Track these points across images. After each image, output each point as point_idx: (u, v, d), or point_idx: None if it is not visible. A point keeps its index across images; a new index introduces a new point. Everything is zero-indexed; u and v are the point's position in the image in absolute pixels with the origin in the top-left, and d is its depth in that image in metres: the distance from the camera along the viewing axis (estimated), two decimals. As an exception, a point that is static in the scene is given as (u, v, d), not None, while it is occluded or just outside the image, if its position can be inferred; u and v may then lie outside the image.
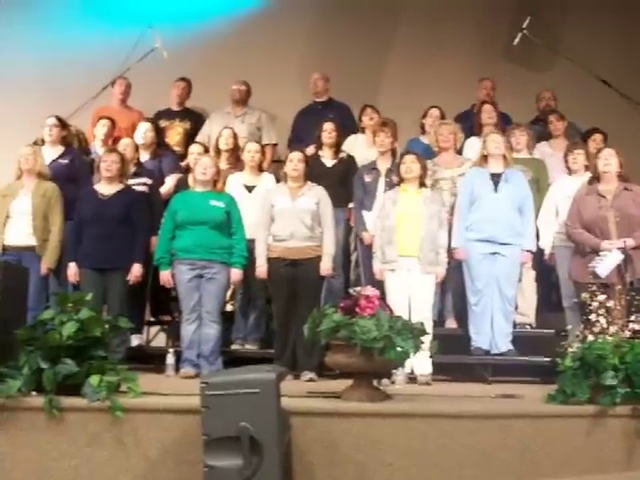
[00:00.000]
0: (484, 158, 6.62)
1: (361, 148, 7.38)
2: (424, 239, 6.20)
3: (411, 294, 6.18)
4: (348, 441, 4.54)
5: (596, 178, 6.21)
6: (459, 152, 7.19)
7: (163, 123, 8.03)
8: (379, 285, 5.82)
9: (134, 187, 6.76)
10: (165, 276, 6.27)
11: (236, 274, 6.27)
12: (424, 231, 6.21)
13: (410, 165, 6.34)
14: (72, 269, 6.30)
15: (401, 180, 6.42)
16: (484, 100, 7.83)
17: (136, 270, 6.30)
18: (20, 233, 6.41)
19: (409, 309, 6.10)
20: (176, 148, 7.92)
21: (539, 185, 6.90)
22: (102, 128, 7.59)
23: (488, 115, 7.51)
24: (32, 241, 6.41)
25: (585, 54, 8.20)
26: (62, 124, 7.15)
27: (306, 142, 7.42)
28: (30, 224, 6.41)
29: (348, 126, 7.63)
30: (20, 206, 6.45)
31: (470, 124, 7.64)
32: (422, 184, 6.40)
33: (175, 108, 8.32)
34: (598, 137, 7.36)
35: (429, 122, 7.63)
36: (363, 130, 7.66)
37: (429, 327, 5.89)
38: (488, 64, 8.61)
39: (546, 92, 8.18)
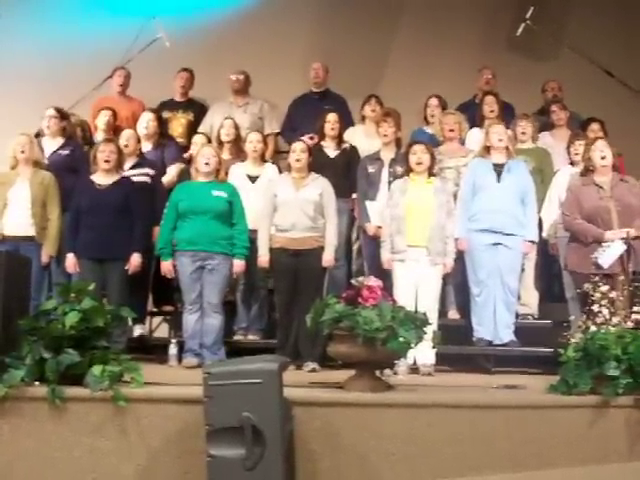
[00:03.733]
0: (486, 149, 6.61)
1: (360, 139, 7.36)
2: (433, 229, 6.17)
3: (418, 285, 6.17)
4: (350, 431, 4.55)
5: (590, 170, 6.17)
6: (462, 142, 7.17)
7: (166, 114, 8.01)
8: (382, 275, 5.81)
9: (136, 177, 6.75)
10: (166, 266, 6.25)
11: (238, 265, 6.25)
12: (434, 221, 6.19)
13: (421, 156, 6.31)
14: (70, 260, 6.29)
15: (409, 170, 6.37)
16: (486, 91, 7.80)
17: (135, 260, 6.29)
18: (18, 222, 6.37)
19: (415, 300, 6.09)
20: (179, 139, 7.91)
21: (543, 175, 6.88)
22: (104, 118, 7.58)
23: (489, 107, 7.48)
24: (31, 231, 6.37)
25: (588, 44, 8.17)
26: (61, 115, 7.10)
27: (300, 131, 7.41)
28: (28, 213, 6.37)
29: (344, 118, 7.60)
30: (18, 194, 6.41)
31: (472, 114, 7.63)
32: (431, 174, 6.39)
33: (178, 99, 8.30)
34: (595, 126, 7.33)
35: (429, 111, 7.63)
36: (363, 119, 7.64)
37: (434, 318, 5.91)
38: (491, 54, 8.59)
39: (552, 82, 8.14)
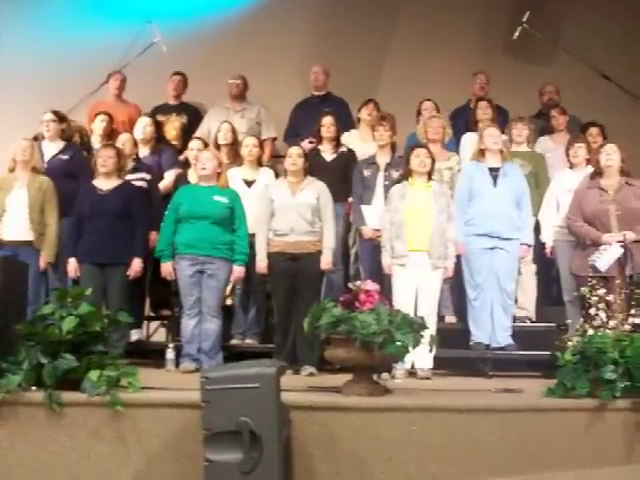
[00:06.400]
0: (481, 152, 6.62)
1: (355, 143, 7.36)
2: (434, 233, 6.15)
3: (418, 289, 6.15)
4: (348, 435, 4.55)
5: (598, 173, 6.22)
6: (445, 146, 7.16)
7: (160, 118, 8.00)
8: (379, 279, 5.80)
9: (133, 182, 6.75)
10: (166, 267, 6.24)
11: (238, 271, 6.25)
12: (434, 225, 6.17)
13: (424, 159, 6.30)
14: (72, 264, 6.29)
15: (407, 173, 6.36)
16: (479, 96, 7.82)
17: (136, 265, 6.29)
18: (17, 227, 6.36)
19: (415, 304, 6.09)
20: (173, 142, 7.92)
21: (538, 179, 6.89)
22: (101, 123, 7.59)
23: (483, 111, 7.51)
24: (29, 235, 6.37)
25: (585, 48, 8.18)
26: (59, 118, 7.09)
27: (303, 135, 7.40)
28: (26, 218, 6.37)
29: (345, 122, 7.59)
30: (16, 199, 6.41)
31: (466, 120, 7.63)
32: (430, 178, 6.38)
33: (172, 102, 8.30)
34: (594, 130, 7.35)
35: (425, 115, 7.60)
36: (358, 121, 7.64)
37: (433, 323, 5.91)
38: (488, 58, 8.61)
39: (549, 85, 8.15)
